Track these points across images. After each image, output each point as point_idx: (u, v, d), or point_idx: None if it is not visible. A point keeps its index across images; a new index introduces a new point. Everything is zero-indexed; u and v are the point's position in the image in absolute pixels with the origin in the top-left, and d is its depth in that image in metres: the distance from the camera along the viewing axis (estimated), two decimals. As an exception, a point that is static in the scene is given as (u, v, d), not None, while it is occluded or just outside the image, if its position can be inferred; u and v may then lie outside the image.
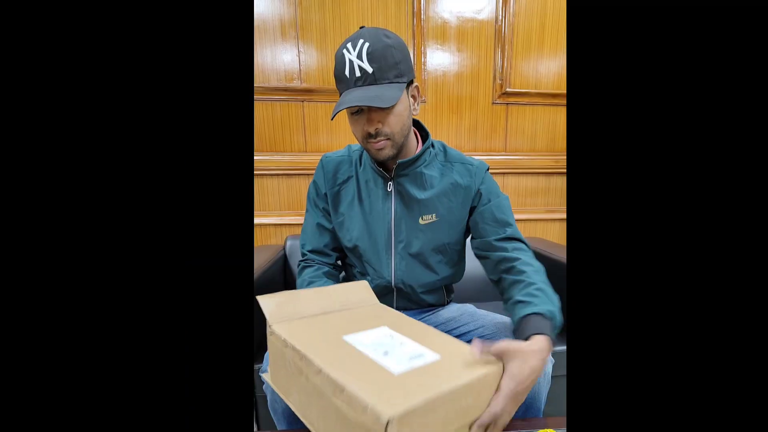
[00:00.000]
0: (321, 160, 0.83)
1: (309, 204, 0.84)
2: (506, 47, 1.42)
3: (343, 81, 0.66)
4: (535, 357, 0.49)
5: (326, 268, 0.81)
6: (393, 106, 0.66)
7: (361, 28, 0.67)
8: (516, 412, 0.70)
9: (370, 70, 0.63)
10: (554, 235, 1.56)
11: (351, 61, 0.64)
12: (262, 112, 1.40)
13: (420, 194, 0.76)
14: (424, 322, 0.81)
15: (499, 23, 1.40)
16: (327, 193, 0.81)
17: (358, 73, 0.64)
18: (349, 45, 0.64)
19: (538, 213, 1.53)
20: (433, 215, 0.77)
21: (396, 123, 0.68)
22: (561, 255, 1.19)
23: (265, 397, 0.71)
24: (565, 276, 0.39)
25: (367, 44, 0.63)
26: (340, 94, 0.68)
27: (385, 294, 0.81)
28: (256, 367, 0.95)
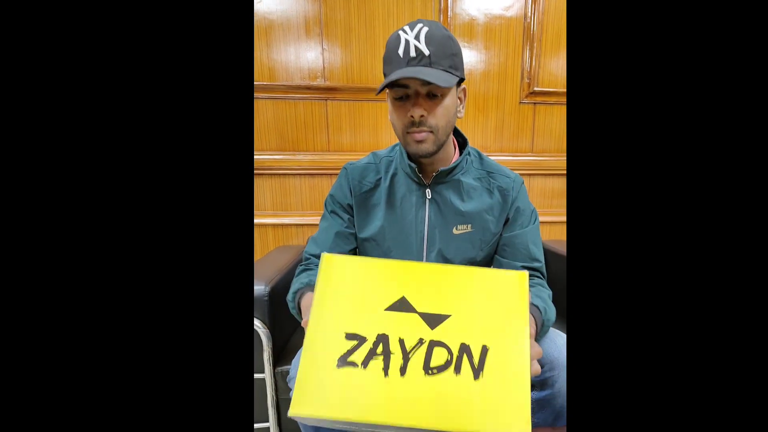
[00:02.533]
0: (345, 167, 0.79)
1: (327, 212, 0.80)
2: (535, 45, 1.38)
3: (394, 61, 0.62)
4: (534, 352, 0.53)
5: None
6: (442, 98, 0.64)
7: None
8: (546, 422, 0.69)
9: (426, 52, 0.60)
10: (580, 239, 1.52)
11: (407, 41, 0.60)
12: (285, 111, 1.38)
13: (458, 203, 0.74)
14: None
15: (528, 20, 1.36)
16: (352, 203, 0.77)
17: (413, 53, 0.60)
18: (406, 27, 0.62)
19: (564, 215, 1.50)
20: (469, 226, 0.74)
21: (442, 116, 0.65)
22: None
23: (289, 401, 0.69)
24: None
25: (426, 29, 0.61)
26: (386, 76, 0.64)
27: None
28: (279, 370, 0.94)
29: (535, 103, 1.43)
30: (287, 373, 0.89)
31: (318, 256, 0.75)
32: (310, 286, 0.68)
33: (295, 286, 0.72)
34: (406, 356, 0.40)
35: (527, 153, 1.46)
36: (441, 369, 0.40)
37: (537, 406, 0.70)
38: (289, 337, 1.08)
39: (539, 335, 0.66)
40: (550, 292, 0.74)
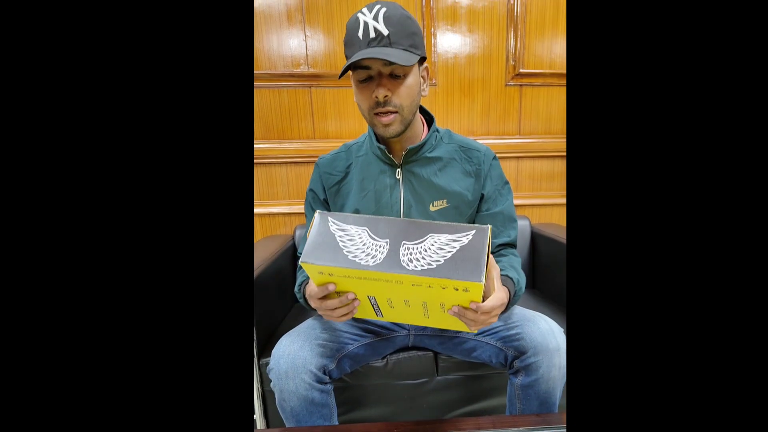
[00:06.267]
0: (317, 162, 0.81)
1: (307, 210, 0.81)
2: (519, 27, 1.37)
3: (355, 43, 0.62)
4: (497, 298, 0.55)
5: None
6: (405, 77, 0.64)
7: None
8: (531, 407, 0.68)
9: (386, 32, 0.60)
10: (571, 222, 1.51)
11: (366, 23, 0.60)
12: (269, 99, 1.37)
13: (430, 179, 0.74)
14: None
15: (512, 2, 1.35)
16: (326, 197, 0.78)
17: (372, 34, 0.60)
18: (364, 9, 0.62)
19: (554, 198, 1.48)
20: (444, 201, 0.74)
21: (406, 95, 0.65)
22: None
23: (274, 393, 0.68)
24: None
25: (384, 9, 0.61)
26: (347, 59, 0.64)
27: None
28: (263, 361, 0.92)
29: (521, 85, 1.42)
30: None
31: None
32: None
33: (299, 279, 0.74)
34: None
35: (515, 135, 1.45)
36: None
37: (522, 393, 0.69)
38: (273, 329, 1.06)
39: (511, 304, 0.67)
40: (520, 260, 0.77)
